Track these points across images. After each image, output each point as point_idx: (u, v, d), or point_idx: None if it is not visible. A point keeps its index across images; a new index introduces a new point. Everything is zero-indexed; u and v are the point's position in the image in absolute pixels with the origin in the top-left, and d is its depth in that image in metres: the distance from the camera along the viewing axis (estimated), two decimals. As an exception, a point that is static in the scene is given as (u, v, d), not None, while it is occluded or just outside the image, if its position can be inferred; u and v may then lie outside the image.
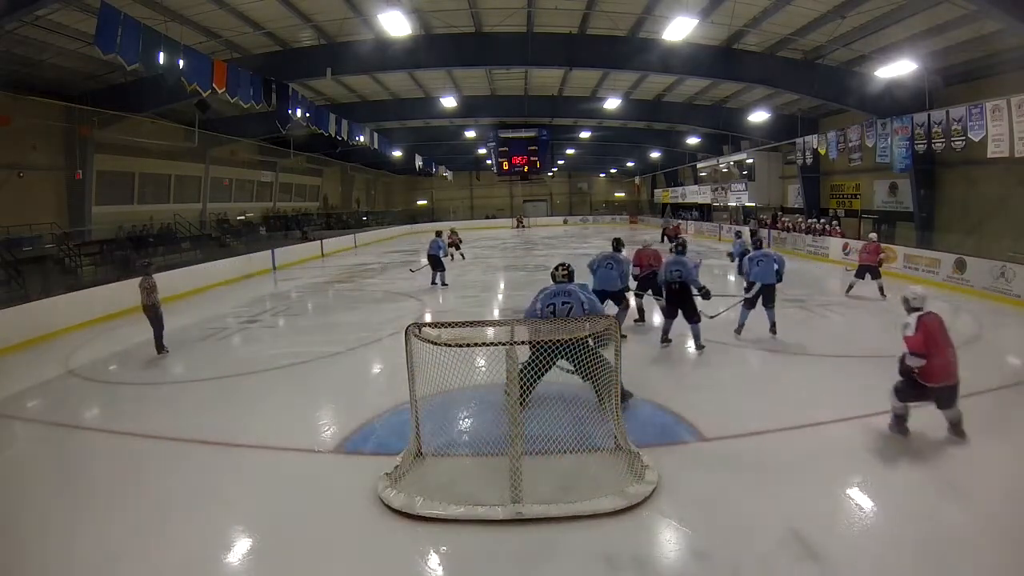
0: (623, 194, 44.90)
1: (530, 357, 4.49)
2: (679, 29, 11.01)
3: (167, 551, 3.34)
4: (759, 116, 18.24)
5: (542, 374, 4.61)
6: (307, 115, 13.54)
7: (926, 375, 4.23)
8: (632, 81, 18.60)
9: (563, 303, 5.08)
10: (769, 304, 7.48)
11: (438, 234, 13.38)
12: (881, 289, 10.17)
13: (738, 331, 7.60)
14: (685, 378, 6.30)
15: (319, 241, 23.03)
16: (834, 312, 9.35)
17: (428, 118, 22.46)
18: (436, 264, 12.67)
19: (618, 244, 8.08)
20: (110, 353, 7.95)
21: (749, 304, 7.54)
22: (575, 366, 4.60)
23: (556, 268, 5.48)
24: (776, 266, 7.41)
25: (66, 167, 14.43)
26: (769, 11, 11.77)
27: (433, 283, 12.78)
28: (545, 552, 3.22)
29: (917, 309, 4.38)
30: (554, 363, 4.58)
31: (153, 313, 7.69)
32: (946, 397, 4.28)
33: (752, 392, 5.76)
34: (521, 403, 3.89)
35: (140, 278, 7.77)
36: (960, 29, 11.16)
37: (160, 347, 7.79)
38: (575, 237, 28.68)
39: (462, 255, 17.17)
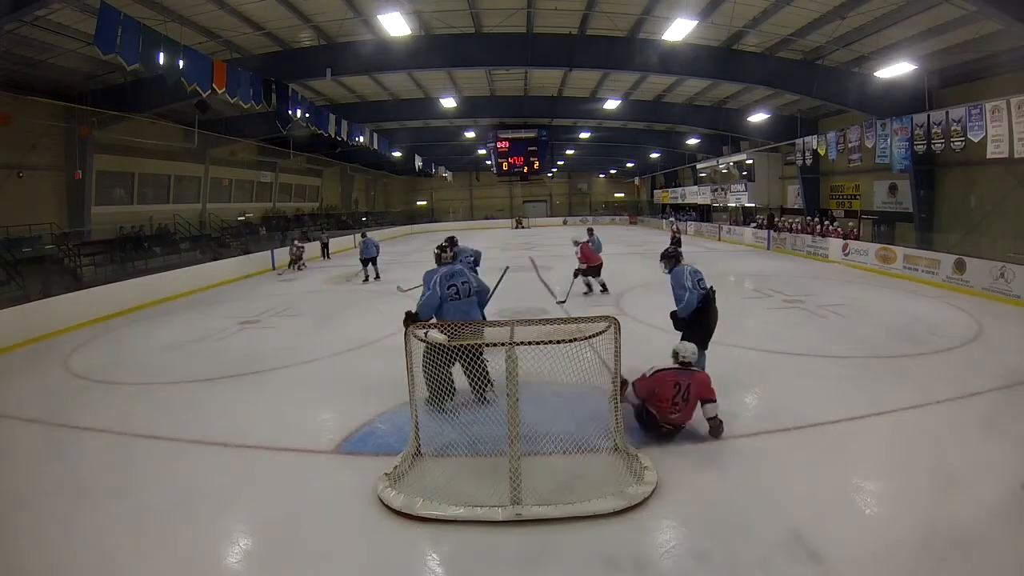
0: (623, 195, 44.96)
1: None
2: (679, 30, 11.04)
3: (167, 551, 3.33)
4: (759, 117, 18.26)
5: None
6: (307, 115, 13.57)
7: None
8: (632, 82, 18.60)
9: (463, 283, 5.34)
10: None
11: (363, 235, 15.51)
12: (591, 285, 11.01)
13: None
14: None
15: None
16: (834, 312, 9.34)
17: (428, 119, 22.46)
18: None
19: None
20: (110, 353, 7.93)
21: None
22: None
23: (443, 249, 5.63)
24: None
25: (66, 167, 14.41)
26: (769, 12, 11.79)
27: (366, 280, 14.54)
28: (545, 553, 3.22)
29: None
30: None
31: None
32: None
33: (752, 392, 5.76)
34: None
35: None
36: (959, 30, 11.18)
37: None
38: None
39: (299, 267, 17.79)
